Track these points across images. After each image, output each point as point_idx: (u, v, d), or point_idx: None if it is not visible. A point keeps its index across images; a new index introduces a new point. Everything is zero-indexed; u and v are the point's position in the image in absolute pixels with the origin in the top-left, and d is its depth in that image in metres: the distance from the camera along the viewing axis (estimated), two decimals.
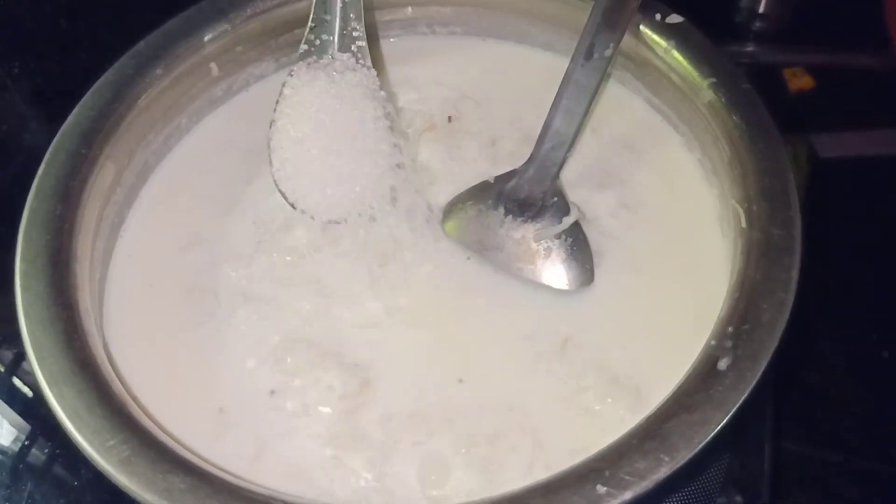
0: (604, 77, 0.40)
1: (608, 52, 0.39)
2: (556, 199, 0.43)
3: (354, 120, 0.40)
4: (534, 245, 0.42)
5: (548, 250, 0.41)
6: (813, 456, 0.55)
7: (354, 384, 0.38)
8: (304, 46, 0.43)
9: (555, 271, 0.41)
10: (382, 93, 0.42)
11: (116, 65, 0.44)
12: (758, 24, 0.72)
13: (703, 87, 0.43)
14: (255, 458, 0.37)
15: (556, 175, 0.43)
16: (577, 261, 0.41)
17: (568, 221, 0.42)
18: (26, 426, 0.46)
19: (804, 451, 0.55)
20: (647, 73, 0.47)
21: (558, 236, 0.42)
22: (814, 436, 0.56)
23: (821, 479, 0.55)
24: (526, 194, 0.43)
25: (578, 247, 0.41)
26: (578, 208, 0.43)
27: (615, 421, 0.36)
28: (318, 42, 0.43)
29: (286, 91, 0.42)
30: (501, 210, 0.43)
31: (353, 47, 0.43)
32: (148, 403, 0.37)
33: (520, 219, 0.42)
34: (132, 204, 0.45)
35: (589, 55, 0.39)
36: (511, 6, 0.50)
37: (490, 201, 0.43)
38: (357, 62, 0.43)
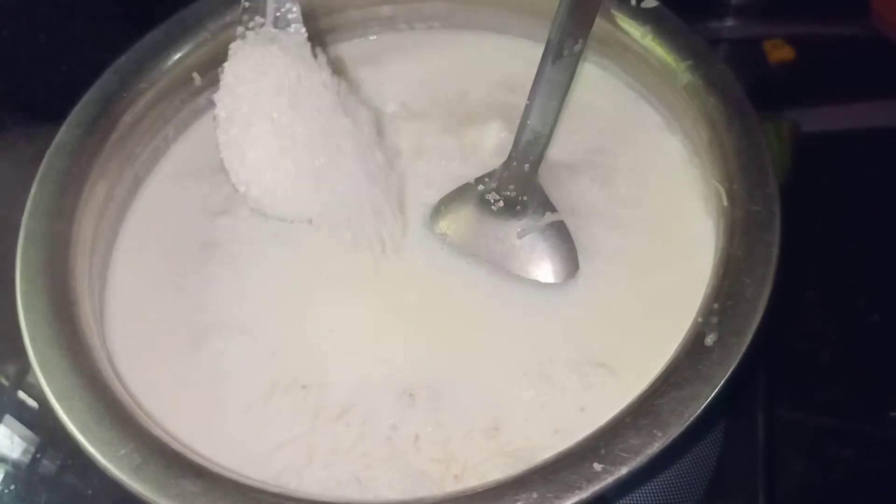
0: (575, 72, 0.41)
1: (577, 48, 0.40)
2: (536, 194, 0.43)
3: (309, 102, 0.38)
4: (518, 241, 0.42)
5: (532, 245, 0.42)
6: (807, 421, 0.56)
7: (343, 392, 0.39)
8: (239, 29, 0.40)
9: (540, 265, 0.42)
10: (328, 68, 0.39)
11: (100, 81, 0.45)
12: None
13: (680, 70, 0.43)
14: (262, 462, 0.37)
15: (535, 171, 0.43)
16: (561, 253, 0.42)
17: (550, 217, 0.42)
18: (35, 438, 0.46)
19: (798, 417, 0.56)
20: (625, 57, 0.47)
21: (541, 231, 0.42)
22: (807, 402, 0.56)
23: (816, 444, 0.55)
24: (506, 192, 0.43)
25: (562, 239, 0.42)
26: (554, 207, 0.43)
27: (604, 406, 0.36)
28: (250, 24, 0.40)
29: (226, 74, 0.39)
30: (484, 210, 0.43)
31: (291, 28, 0.40)
32: (154, 412, 0.37)
33: (502, 217, 0.43)
34: (125, 217, 0.46)
35: (559, 53, 0.39)
36: None
37: (472, 202, 0.44)
38: (296, 40, 0.39)
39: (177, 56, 0.46)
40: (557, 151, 0.46)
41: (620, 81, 0.49)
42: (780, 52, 0.70)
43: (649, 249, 0.43)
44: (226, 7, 0.47)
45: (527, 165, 0.43)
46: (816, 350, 0.58)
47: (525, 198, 0.43)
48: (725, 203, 0.39)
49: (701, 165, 0.43)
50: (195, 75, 0.48)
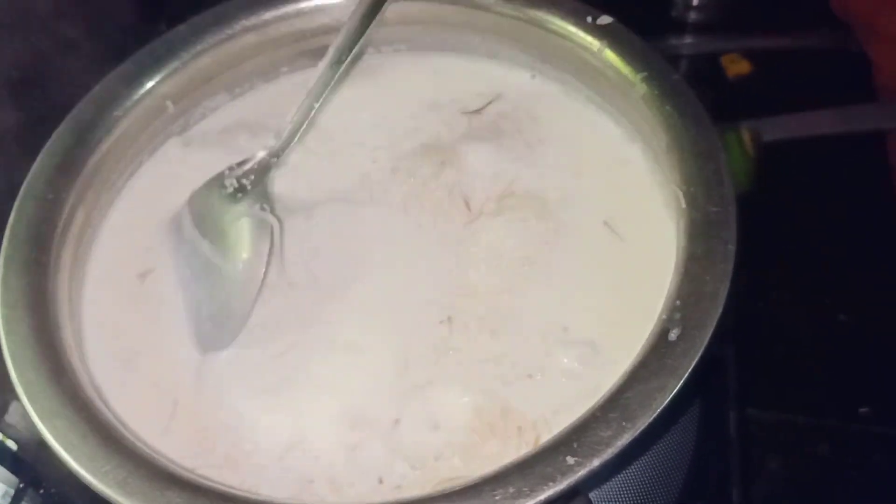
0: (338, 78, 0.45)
1: (347, 59, 0.45)
2: (261, 186, 0.45)
3: None
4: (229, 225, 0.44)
5: (238, 233, 0.44)
6: (782, 420, 0.58)
7: (334, 395, 0.40)
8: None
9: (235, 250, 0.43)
10: None
11: (75, 110, 0.45)
12: (693, 16, 0.75)
13: (636, 82, 0.44)
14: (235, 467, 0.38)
15: (274, 164, 0.45)
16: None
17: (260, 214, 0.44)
18: (14, 479, 0.45)
19: (772, 415, 0.58)
20: (584, 72, 0.48)
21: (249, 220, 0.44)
22: (780, 401, 0.58)
23: (792, 442, 0.57)
24: (243, 180, 0.45)
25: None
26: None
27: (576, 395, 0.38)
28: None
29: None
30: (216, 190, 0.45)
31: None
32: (136, 428, 0.38)
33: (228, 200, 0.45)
34: (97, 240, 0.46)
35: (339, 59, 0.45)
36: (450, 21, 0.52)
37: (216, 184, 0.45)
38: None
39: (150, 84, 0.47)
40: (525, 165, 0.47)
41: (581, 96, 0.50)
42: (737, 67, 0.72)
43: (615, 256, 0.44)
44: (196, 36, 0.49)
45: (274, 158, 0.45)
46: (786, 350, 0.60)
47: (251, 188, 0.45)
48: (684, 206, 0.40)
49: (661, 172, 0.44)
50: (168, 103, 0.49)
